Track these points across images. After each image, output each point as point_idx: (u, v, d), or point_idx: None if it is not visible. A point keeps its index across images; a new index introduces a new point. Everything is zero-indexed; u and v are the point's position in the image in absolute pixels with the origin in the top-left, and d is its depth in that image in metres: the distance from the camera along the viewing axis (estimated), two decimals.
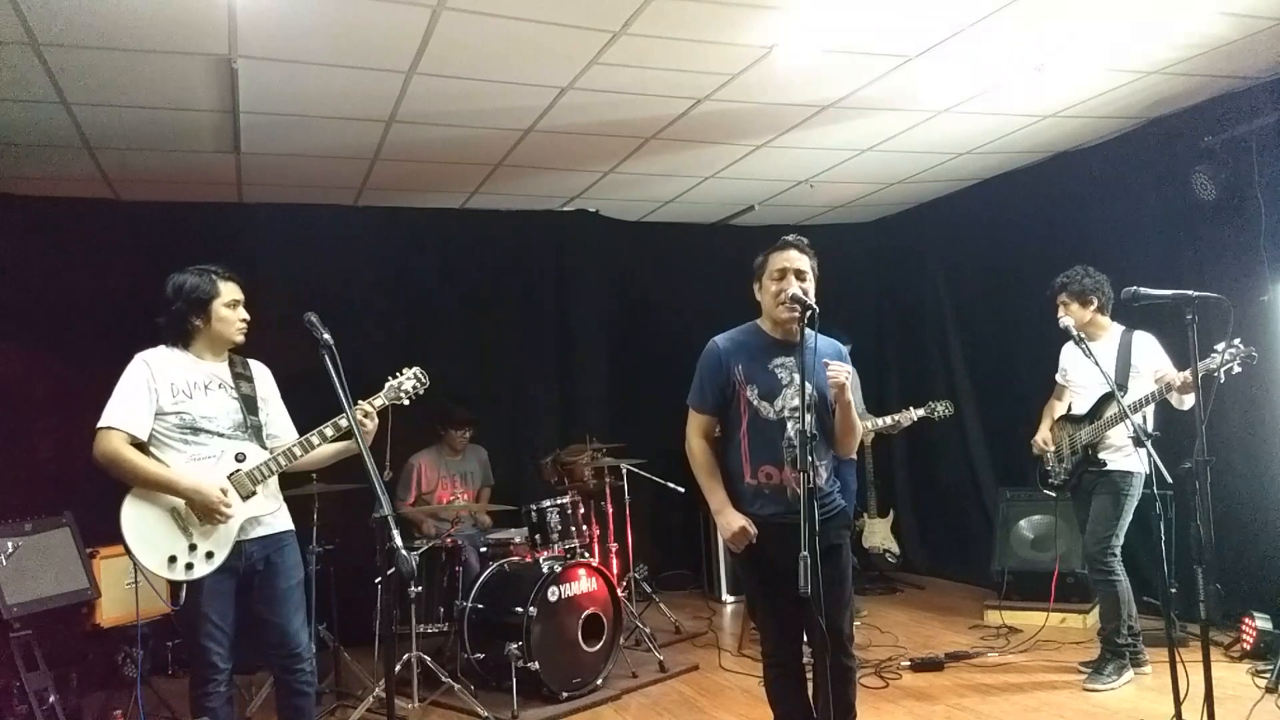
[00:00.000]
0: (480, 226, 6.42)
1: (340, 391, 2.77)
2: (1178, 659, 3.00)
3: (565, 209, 6.57)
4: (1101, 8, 3.77)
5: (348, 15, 3.45)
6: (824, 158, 5.65)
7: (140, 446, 2.96)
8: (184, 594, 2.94)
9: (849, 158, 5.67)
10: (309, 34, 3.58)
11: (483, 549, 4.98)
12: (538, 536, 4.79)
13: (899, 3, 3.61)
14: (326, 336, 2.84)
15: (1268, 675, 3.98)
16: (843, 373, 2.85)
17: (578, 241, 6.74)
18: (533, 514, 4.82)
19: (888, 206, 7.10)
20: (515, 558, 4.88)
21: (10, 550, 3.79)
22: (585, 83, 4.21)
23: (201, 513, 2.93)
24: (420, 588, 4.53)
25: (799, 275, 2.94)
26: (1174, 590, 3.22)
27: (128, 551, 2.89)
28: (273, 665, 3.19)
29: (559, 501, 4.88)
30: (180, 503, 2.94)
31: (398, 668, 4.21)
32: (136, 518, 2.91)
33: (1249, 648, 4.38)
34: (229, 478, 3.01)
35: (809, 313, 2.79)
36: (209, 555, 2.96)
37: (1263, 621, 4.40)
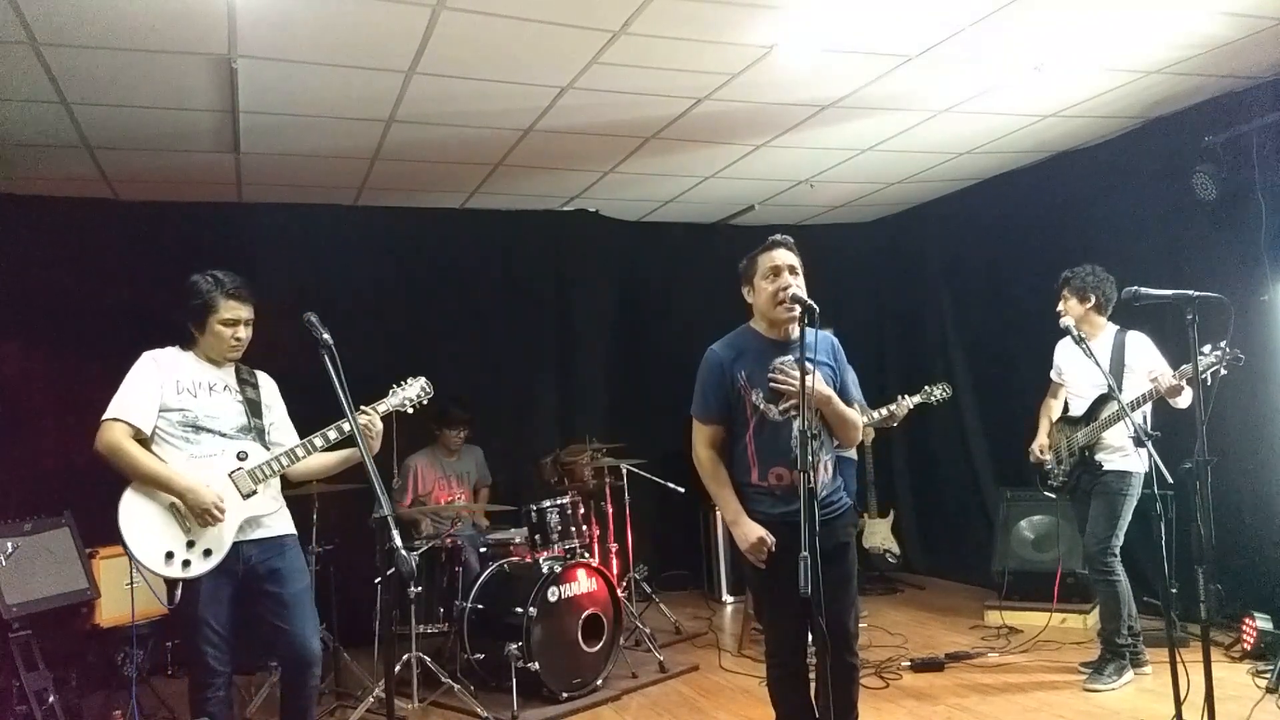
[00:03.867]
0: (480, 226, 6.42)
1: (340, 392, 2.76)
2: (1178, 659, 3.00)
3: (565, 209, 6.57)
4: (1101, 7, 3.77)
5: (348, 15, 3.44)
6: (824, 158, 5.65)
7: (143, 442, 2.97)
8: (179, 592, 2.92)
9: (849, 158, 5.67)
10: (309, 34, 3.58)
11: (483, 549, 4.98)
12: (538, 537, 4.79)
13: (899, 3, 3.61)
14: (326, 336, 2.84)
15: (1268, 675, 3.98)
16: (789, 381, 2.81)
17: (578, 241, 6.73)
18: (533, 514, 4.81)
19: (887, 206, 7.10)
20: (515, 558, 4.88)
21: (10, 550, 3.79)
22: (585, 83, 4.21)
23: (195, 513, 2.93)
24: (420, 588, 4.53)
25: (792, 271, 2.95)
26: (1174, 590, 3.21)
27: (123, 545, 2.87)
28: (282, 669, 3.19)
29: (559, 502, 4.87)
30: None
31: (398, 668, 4.21)
32: (135, 512, 2.91)
33: (1249, 648, 4.39)
34: (230, 475, 3.03)
35: (810, 312, 2.79)
36: (207, 553, 2.96)
37: (1263, 621, 4.40)
